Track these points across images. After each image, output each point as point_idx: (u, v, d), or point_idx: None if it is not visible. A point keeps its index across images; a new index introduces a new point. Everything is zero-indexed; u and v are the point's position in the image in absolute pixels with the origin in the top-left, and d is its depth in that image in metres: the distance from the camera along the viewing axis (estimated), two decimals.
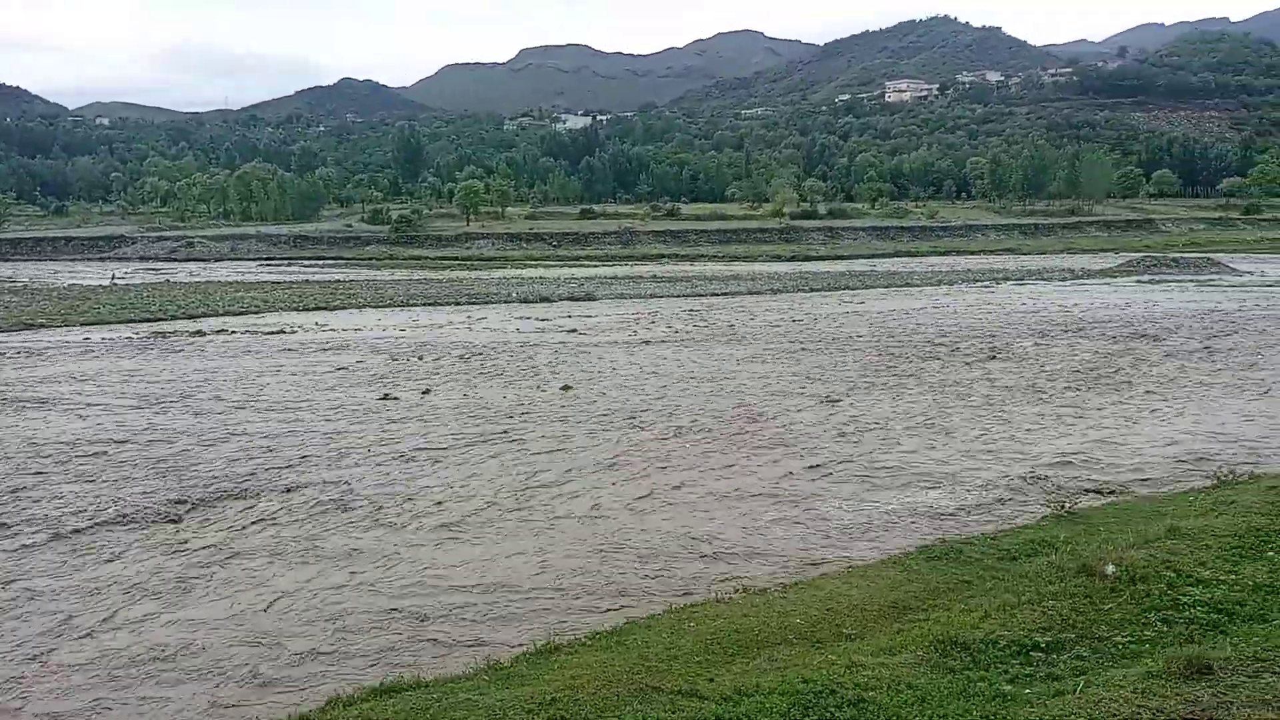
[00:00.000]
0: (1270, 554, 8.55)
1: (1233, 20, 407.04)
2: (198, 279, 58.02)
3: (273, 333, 30.83)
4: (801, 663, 6.87)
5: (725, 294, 46.54)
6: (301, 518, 11.75)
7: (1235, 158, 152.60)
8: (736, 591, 8.95)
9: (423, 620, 8.76)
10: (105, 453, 14.96)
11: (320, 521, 11.61)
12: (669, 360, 24.60)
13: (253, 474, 13.70)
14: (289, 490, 12.89)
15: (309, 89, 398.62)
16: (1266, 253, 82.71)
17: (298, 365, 24.02)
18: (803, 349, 26.45)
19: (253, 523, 11.58)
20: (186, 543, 10.92)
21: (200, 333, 30.92)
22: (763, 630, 7.68)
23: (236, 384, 21.27)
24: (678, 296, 45.37)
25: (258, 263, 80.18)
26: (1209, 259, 65.13)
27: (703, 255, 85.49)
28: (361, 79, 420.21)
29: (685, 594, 9.09)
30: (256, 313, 37.59)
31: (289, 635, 8.48)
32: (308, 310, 38.69)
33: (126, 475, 13.65)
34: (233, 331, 31.23)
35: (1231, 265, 61.35)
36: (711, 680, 6.68)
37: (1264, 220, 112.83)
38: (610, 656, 7.23)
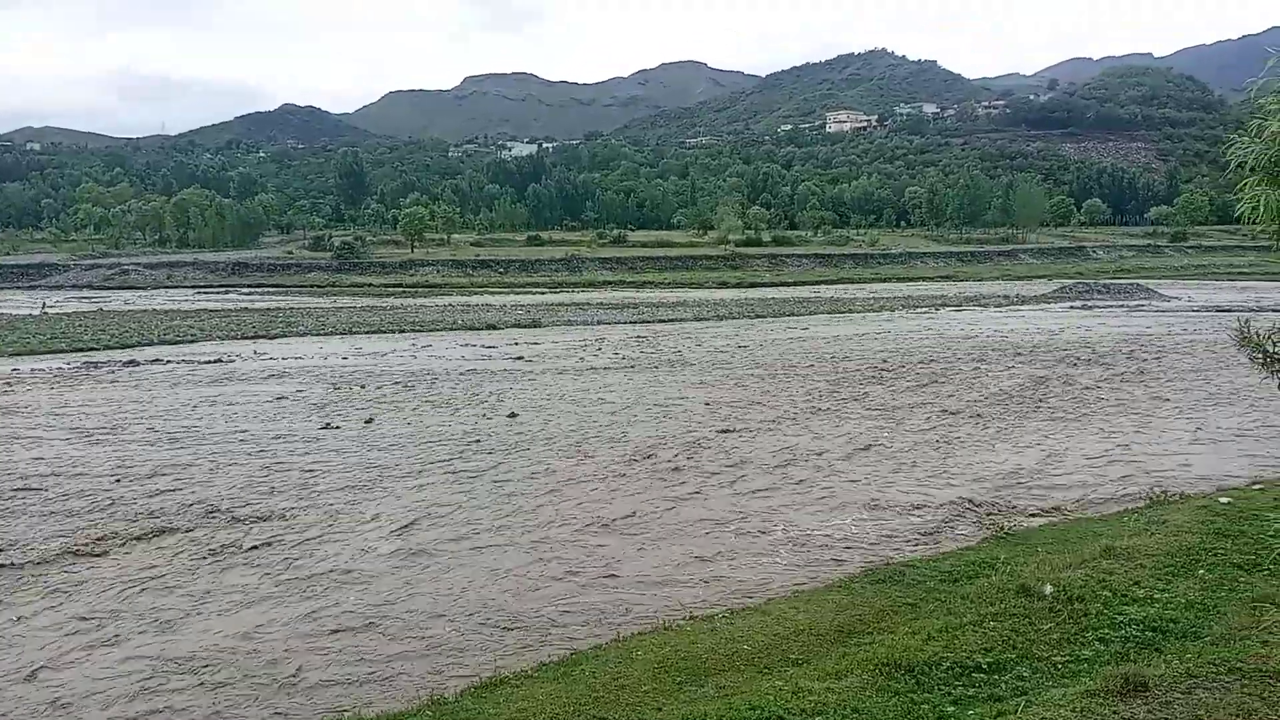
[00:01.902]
0: (1201, 572, 8.79)
1: (1156, 55, 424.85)
2: (132, 307, 56.64)
3: (209, 362, 30.16)
4: (749, 689, 6.86)
5: (672, 320, 46.77)
6: (226, 554, 11.43)
7: (1162, 187, 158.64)
8: (684, 619, 8.92)
9: (361, 658, 8.56)
10: (29, 487, 14.43)
11: (246, 558, 11.31)
12: (616, 387, 24.59)
13: (182, 508, 13.31)
14: (215, 526, 12.54)
15: (249, 114, 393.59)
16: (1192, 279, 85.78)
17: (235, 395, 23.51)
18: (749, 375, 26.65)
19: (173, 558, 11.23)
20: (108, 581, 10.55)
21: (134, 362, 30.12)
22: (710, 657, 7.65)
23: (170, 415, 20.73)
24: (625, 323, 45.46)
25: (195, 290, 78.59)
26: (1138, 285, 67.38)
27: (649, 282, 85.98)
28: (303, 105, 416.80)
29: (633, 622, 9.03)
30: (193, 341, 36.76)
31: (213, 676, 8.21)
32: (246, 339, 37.94)
33: (49, 511, 13.17)
34: (168, 361, 30.48)
35: (1160, 291, 63.46)
36: (659, 709, 6.64)
37: (1190, 247, 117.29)
38: (558, 688, 7.15)
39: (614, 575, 10.48)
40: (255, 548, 11.56)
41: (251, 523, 12.60)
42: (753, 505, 13.22)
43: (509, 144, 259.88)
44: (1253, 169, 4.00)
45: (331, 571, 10.72)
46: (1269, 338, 4.43)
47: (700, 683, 7.14)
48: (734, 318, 47.84)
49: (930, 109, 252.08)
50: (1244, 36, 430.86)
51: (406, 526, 12.39)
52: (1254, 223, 4.01)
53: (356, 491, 14.19)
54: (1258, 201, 3.94)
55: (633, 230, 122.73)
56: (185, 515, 12.92)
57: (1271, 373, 4.43)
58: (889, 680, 6.76)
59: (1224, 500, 11.59)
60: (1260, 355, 4.42)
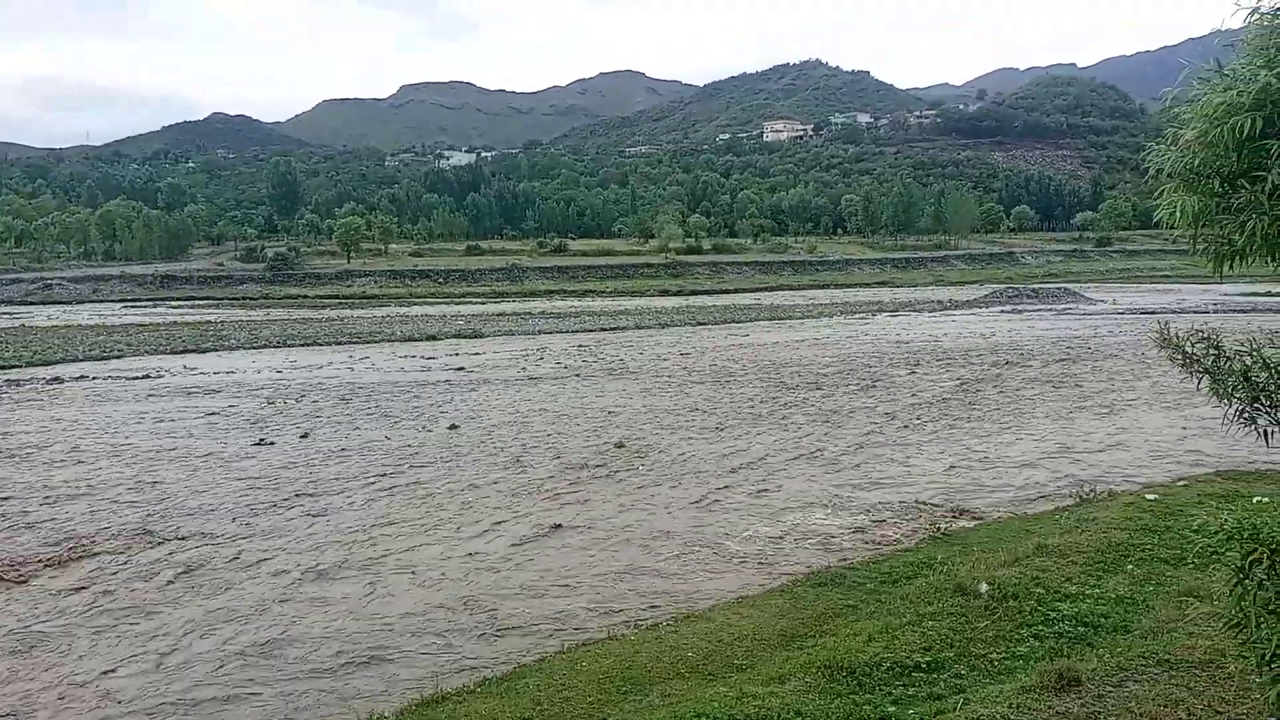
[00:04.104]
0: (1130, 567, 9.04)
1: (1080, 66, 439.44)
2: (56, 323, 54.82)
3: (138, 378, 29.29)
4: (694, 696, 6.86)
5: (614, 329, 46.78)
6: (155, 578, 11.08)
7: (1087, 193, 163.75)
8: (628, 627, 8.88)
9: (295, 675, 8.35)
10: None
11: (178, 582, 10.98)
12: (558, 397, 24.48)
13: (106, 530, 12.87)
14: (143, 548, 12.15)
15: (177, 124, 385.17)
16: (1117, 282, 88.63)
17: (165, 411, 22.85)
18: (691, 382, 26.74)
19: (100, 584, 10.86)
20: (25, 608, 10.16)
21: (58, 379, 29.12)
22: (655, 665, 7.63)
23: (96, 434, 20.06)
24: (567, 332, 45.35)
25: (122, 304, 76.37)
26: (1065, 289, 69.34)
27: (591, 291, 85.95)
28: (234, 113, 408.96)
29: (578, 632, 8.96)
30: (120, 357, 35.67)
31: (149, 703, 7.95)
32: (176, 353, 36.96)
33: None
34: (94, 378, 29.53)
35: (1086, 294, 65.40)
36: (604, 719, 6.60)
37: (1114, 252, 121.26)
38: (501, 703, 7.05)
39: (560, 584, 10.39)
40: (182, 571, 11.23)
41: (175, 544, 12.23)
42: (696, 511, 13.23)
43: (447, 153, 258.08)
44: (1170, 175, 4.12)
45: (265, 590, 10.45)
46: (1188, 339, 4.56)
47: (645, 691, 7.11)
48: (676, 325, 48.02)
49: (864, 119, 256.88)
50: (1162, 48, 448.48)
51: (334, 550, 12.15)
52: (1173, 227, 4.14)
53: (288, 511, 13.87)
54: (1175, 207, 4.06)
55: (573, 239, 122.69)
56: (102, 539, 12.49)
57: (1191, 373, 4.57)
58: (831, 682, 6.82)
59: (1150, 497, 11.95)
60: (1180, 356, 4.55)
